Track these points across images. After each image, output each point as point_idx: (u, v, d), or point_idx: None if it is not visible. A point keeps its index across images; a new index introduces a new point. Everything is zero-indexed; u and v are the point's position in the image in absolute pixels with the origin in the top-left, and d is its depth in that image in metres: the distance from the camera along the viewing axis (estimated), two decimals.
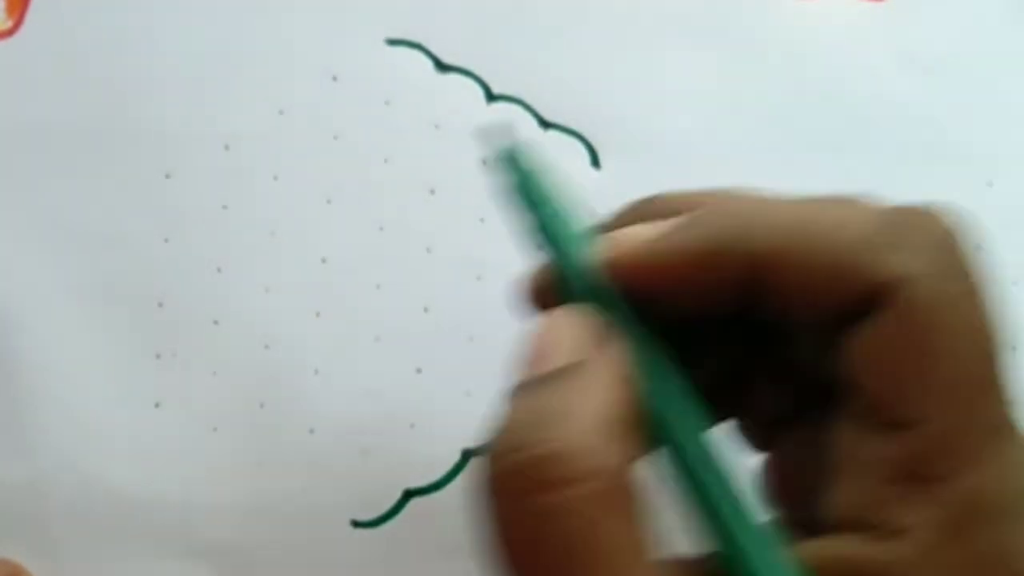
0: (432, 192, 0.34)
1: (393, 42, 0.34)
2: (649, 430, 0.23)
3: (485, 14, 0.34)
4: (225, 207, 0.33)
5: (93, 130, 0.33)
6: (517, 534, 0.21)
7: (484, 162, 0.34)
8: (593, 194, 0.34)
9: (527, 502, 0.21)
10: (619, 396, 0.22)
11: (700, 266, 0.23)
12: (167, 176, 0.33)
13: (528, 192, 0.25)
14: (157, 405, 0.32)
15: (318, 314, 0.33)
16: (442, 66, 0.34)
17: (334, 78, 0.34)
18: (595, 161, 0.34)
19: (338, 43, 0.34)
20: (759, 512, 0.22)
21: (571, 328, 0.23)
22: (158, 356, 0.33)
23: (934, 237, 0.22)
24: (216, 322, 0.33)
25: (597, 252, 0.24)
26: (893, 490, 0.21)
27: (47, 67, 0.33)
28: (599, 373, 0.23)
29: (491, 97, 0.34)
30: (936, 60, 0.35)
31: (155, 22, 0.33)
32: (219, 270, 0.33)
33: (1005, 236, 0.35)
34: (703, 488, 0.22)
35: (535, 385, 0.23)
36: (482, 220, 0.34)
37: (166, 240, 0.33)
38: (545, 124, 0.34)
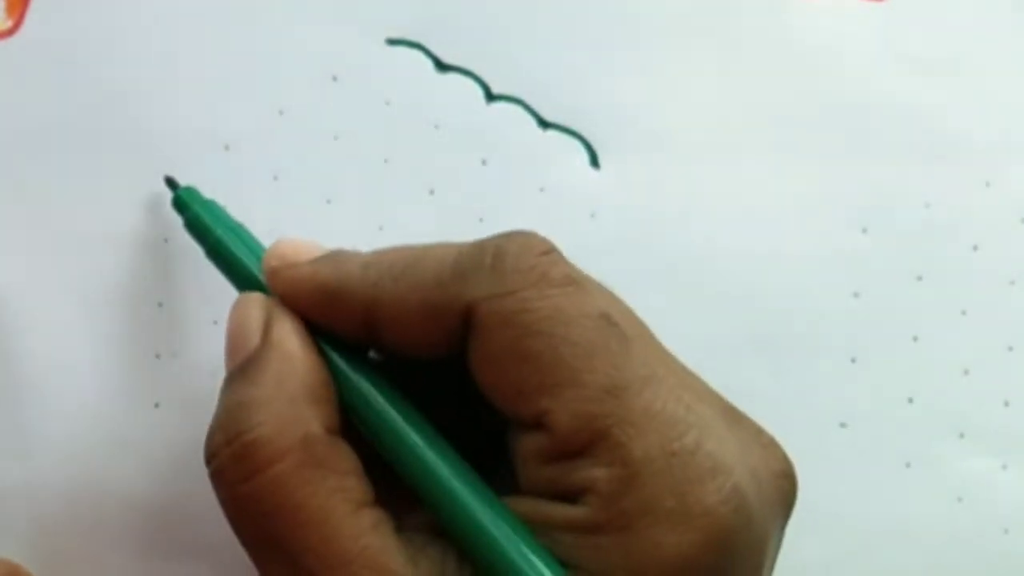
0: (432, 192, 0.34)
1: (393, 42, 0.34)
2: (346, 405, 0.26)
3: (485, 14, 0.34)
4: (224, 207, 0.33)
5: (93, 130, 0.33)
6: (243, 518, 0.25)
7: (483, 162, 0.34)
8: (593, 194, 0.34)
9: (243, 488, 0.25)
10: (301, 369, 0.26)
11: (326, 304, 0.27)
12: (166, 177, 0.33)
13: (198, 226, 0.30)
14: (157, 405, 0.32)
15: None
16: (442, 66, 0.34)
17: (334, 78, 0.34)
18: (594, 161, 0.34)
19: (338, 43, 0.34)
20: (466, 469, 0.25)
21: (248, 317, 0.27)
22: (158, 356, 0.33)
23: (497, 262, 0.25)
24: (216, 322, 0.33)
25: (264, 269, 0.28)
26: (558, 467, 0.24)
27: (47, 67, 0.33)
28: (279, 354, 0.26)
29: (491, 97, 0.34)
30: (936, 60, 0.35)
31: (155, 22, 0.33)
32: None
33: (1003, 236, 0.35)
34: (402, 446, 0.26)
35: (232, 377, 0.26)
36: (481, 220, 0.34)
37: (166, 240, 0.33)
38: (545, 124, 0.34)
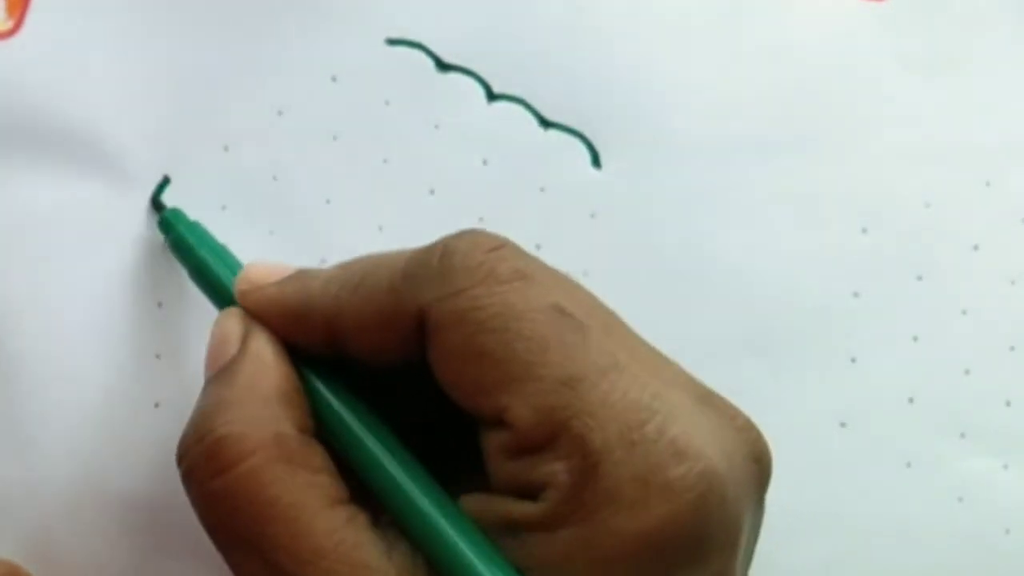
0: (432, 192, 0.34)
1: (393, 42, 0.34)
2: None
3: (486, 13, 0.34)
4: (224, 207, 0.33)
5: (93, 130, 0.33)
6: (215, 516, 0.26)
7: (484, 162, 0.34)
8: (593, 194, 0.34)
9: (214, 485, 0.25)
10: (274, 375, 0.27)
11: (292, 321, 0.27)
12: (166, 177, 0.33)
13: (182, 247, 0.31)
14: (157, 405, 0.32)
15: None
16: (443, 65, 0.34)
17: (334, 78, 0.34)
18: (596, 161, 0.34)
19: (338, 43, 0.34)
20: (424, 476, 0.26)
21: (227, 330, 0.28)
22: (158, 356, 0.33)
23: (445, 262, 0.25)
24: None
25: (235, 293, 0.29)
26: (521, 462, 0.24)
27: (47, 67, 0.33)
28: (253, 360, 0.27)
29: (492, 96, 0.34)
30: (936, 60, 0.35)
31: (155, 22, 0.33)
32: None
33: (1003, 236, 0.35)
34: (366, 455, 0.26)
35: (208, 383, 0.27)
36: (481, 220, 0.34)
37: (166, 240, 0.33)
38: (546, 124, 0.34)
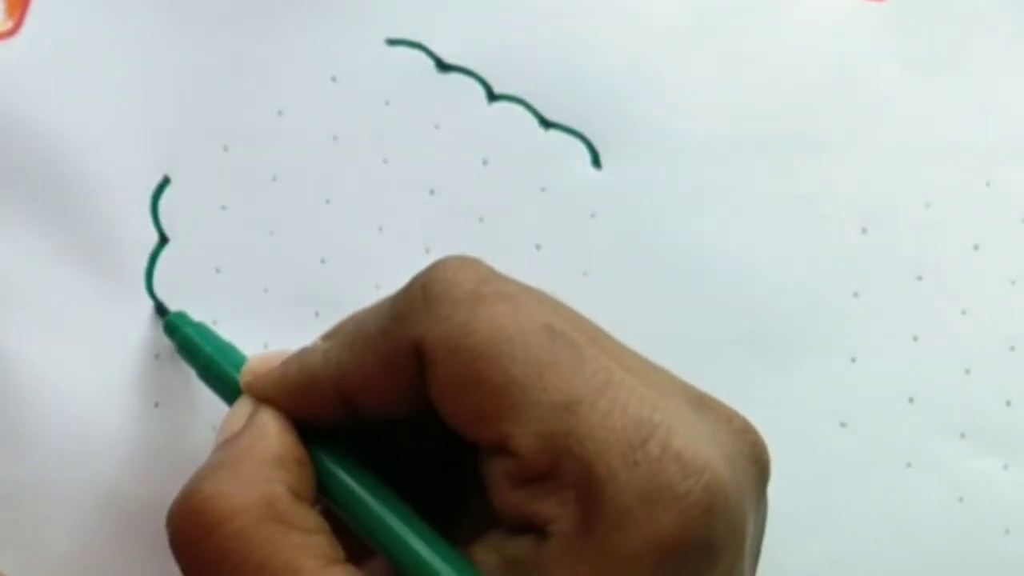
0: (432, 192, 0.34)
1: (393, 42, 0.34)
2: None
3: (486, 13, 0.34)
4: (224, 208, 0.33)
5: (93, 130, 0.33)
6: (200, 573, 0.25)
7: (484, 162, 0.34)
8: (593, 194, 0.34)
9: (204, 546, 0.24)
10: (273, 443, 0.26)
11: (302, 398, 0.27)
12: (166, 177, 0.33)
13: (189, 348, 0.31)
14: (157, 405, 0.32)
15: (317, 314, 0.33)
16: (443, 66, 0.34)
17: (334, 78, 0.34)
18: (596, 161, 0.34)
19: (338, 43, 0.34)
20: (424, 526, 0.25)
21: (237, 413, 0.28)
22: (157, 356, 0.33)
23: (428, 293, 0.25)
24: (215, 322, 0.33)
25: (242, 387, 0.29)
26: (527, 491, 0.24)
27: (47, 67, 0.33)
28: (253, 430, 0.27)
29: (492, 97, 0.34)
30: (936, 60, 0.35)
31: (155, 22, 0.33)
32: (218, 270, 0.33)
33: (1003, 236, 0.35)
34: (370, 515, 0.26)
35: (212, 451, 0.27)
36: (481, 220, 0.34)
37: (166, 240, 0.33)
38: (546, 124, 0.34)
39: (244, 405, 0.28)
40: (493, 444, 0.24)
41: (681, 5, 0.35)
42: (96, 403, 0.32)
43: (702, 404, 0.26)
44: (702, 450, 0.24)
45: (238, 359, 0.30)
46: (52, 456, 0.32)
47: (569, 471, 0.23)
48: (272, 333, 0.33)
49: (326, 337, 0.28)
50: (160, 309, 0.32)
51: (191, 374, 0.31)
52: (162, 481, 0.32)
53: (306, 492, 0.26)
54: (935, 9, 0.35)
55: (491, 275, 0.26)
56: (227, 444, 0.27)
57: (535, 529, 0.24)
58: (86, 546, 0.32)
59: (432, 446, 0.28)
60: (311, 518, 0.25)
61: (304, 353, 0.28)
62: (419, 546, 0.25)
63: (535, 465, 0.24)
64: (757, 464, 0.25)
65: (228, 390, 0.29)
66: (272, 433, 0.27)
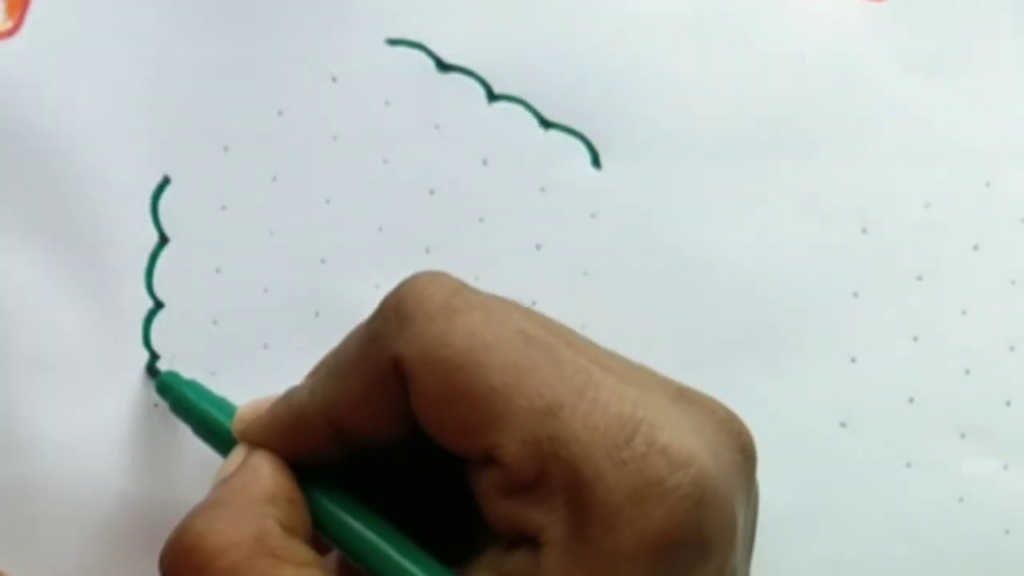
0: (432, 192, 0.34)
1: (393, 42, 0.34)
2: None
3: (486, 13, 0.34)
4: (224, 208, 0.33)
5: (92, 130, 0.33)
6: None
7: (484, 162, 0.34)
8: (593, 194, 0.34)
9: None
10: (266, 482, 0.26)
11: (295, 437, 0.27)
12: (166, 177, 0.33)
13: (183, 406, 0.31)
14: (157, 405, 0.32)
15: (317, 314, 0.33)
16: (444, 66, 0.34)
17: (334, 78, 0.34)
18: (596, 161, 0.34)
19: (338, 43, 0.34)
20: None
21: (233, 459, 0.28)
22: (159, 356, 0.33)
23: (401, 310, 0.25)
24: (215, 322, 0.33)
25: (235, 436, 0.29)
26: (516, 500, 0.24)
27: (47, 67, 0.33)
28: (247, 470, 0.27)
29: (492, 97, 0.34)
30: (936, 60, 0.35)
31: (155, 22, 0.33)
32: (218, 270, 0.33)
33: (1003, 236, 0.35)
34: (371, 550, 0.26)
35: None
36: (481, 220, 0.34)
37: (166, 240, 0.33)
38: (546, 124, 0.34)
39: (239, 452, 0.28)
40: (480, 455, 0.24)
41: (681, 5, 0.35)
42: (95, 403, 0.32)
43: (683, 397, 0.26)
44: (687, 443, 0.24)
45: (231, 412, 0.30)
46: (52, 456, 0.32)
47: (556, 476, 0.23)
48: (272, 333, 0.33)
49: (310, 375, 0.28)
50: (151, 368, 0.32)
51: (190, 374, 0.32)
52: (162, 481, 0.32)
53: (300, 528, 0.26)
54: (935, 9, 0.35)
55: (461, 287, 0.26)
56: (221, 484, 0.27)
57: (529, 540, 0.24)
58: (86, 546, 0.32)
59: (429, 471, 0.28)
60: (303, 552, 0.25)
61: (291, 393, 0.28)
62: (417, 573, 0.25)
63: (522, 473, 0.24)
64: (743, 453, 0.25)
65: (223, 444, 0.29)
66: (265, 473, 0.27)
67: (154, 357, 0.33)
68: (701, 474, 0.23)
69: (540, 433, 0.24)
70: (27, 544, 0.32)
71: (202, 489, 0.32)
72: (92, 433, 0.32)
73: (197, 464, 0.32)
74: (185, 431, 0.31)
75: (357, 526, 0.26)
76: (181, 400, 0.31)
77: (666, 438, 0.23)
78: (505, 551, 0.25)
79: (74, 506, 0.32)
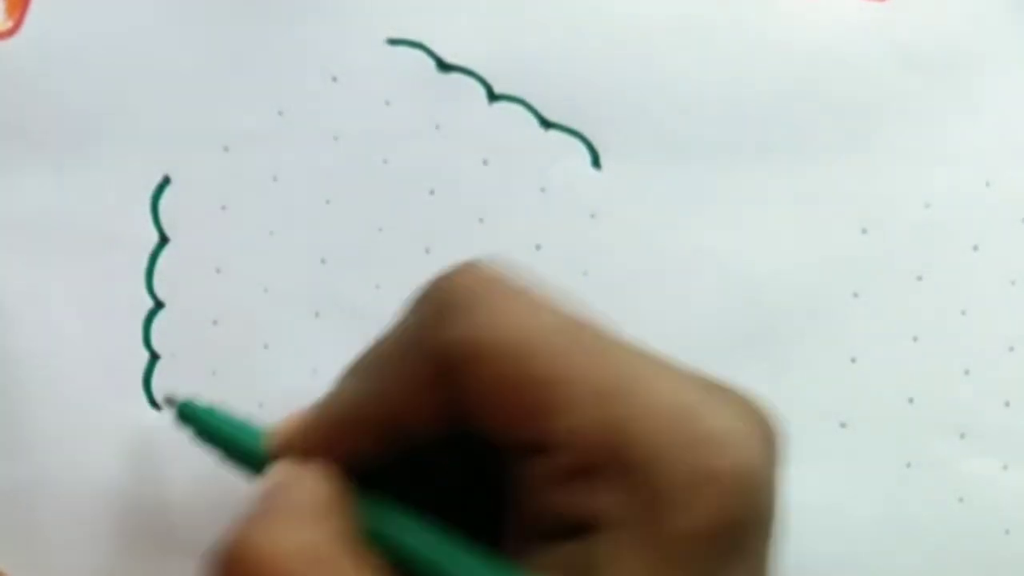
0: (432, 192, 0.34)
1: (393, 42, 0.34)
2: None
3: (486, 13, 0.34)
4: (224, 208, 0.33)
5: (92, 130, 0.33)
6: None
7: (484, 162, 0.34)
8: (593, 194, 0.34)
9: None
10: (310, 488, 0.26)
11: (334, 438, 0.26)
12: (166, 177, 0.33)
13: (206, 434, 0.29)
14: (157, 405, 0.32)
15: (317, 314, 0.33)
16: (444, 66, 0.34)
17: (334, 78, 0.34)
18: (596, 161, 0.34)
19: (338, 43, 0.34)
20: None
21: (271, 473, 0.27)
22: (158, 356, 0.33)
23: (442, 300, 0.25)
24: (216, 322, 0.33)
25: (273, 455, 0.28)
26: (570, 488, 0.23)
27: (47, 67, 0.33)
28: (291, 478, 0.26)
29: (492, 97, 0.34)
30: (936, 60, 0.35)
31: (155, 22, 0.33)
32: (218, 270, 0.33)
33: (1003, 236, 0.35)
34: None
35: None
36: (481, 220, 0.34)
37: (166, 240, 0.33)
38: (546, 124, 0.34)
39: (276, 467, 0.27)
40: (532, 443, 0.24)
41: (681, 6, 0.35)
42: (96, 403, 0.32)
43: (715, 388, 0.25)
44: (733, 429, 0.24)
45: (256, 432, 0.29)
46: (52, 456, 0.32)
47: (614, 460, 0.23)
48: (272, 333, 0.33)
49: (344, 378, 0.27)
50: (169, 400, 0.31)
51: (190, 374, 0.32)
52: (162, 481, 0.32)
53: (350, 535, 0.25)
54: (936, 9, 0.35)
55: (500, 274, 0.25)
56: (265, 495, 0.26)
57: (581, 528, 0.23)
58: (85, 546, 0.32)
59: (464, 477, 0.27)
60: (360, 559, 0.25)
61: (326, 399, 0.27)
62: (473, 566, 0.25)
63: (582, 459, 0.23)
64: (776, 439, 0.25)
65: (254, 465, 0.28)
66: (311, 481, 0.26)
67: (154, 357, 0.33)
68: (749, 459, 0.23)
69: (599, 416, 0.23)
70: (27, 544, 0.32)
71: (202, 489, 0.32)
72: (92, 433, 0.32)
73: (197, 464, 0.32)
74: (185, 432, 0.31)
75: (409, 529, 0.26)
76: (205, 429, 0.30)
77: (714, 423, 0.23)
78: (553, 544, 0.24)
79: (74, 506, 0.32)
